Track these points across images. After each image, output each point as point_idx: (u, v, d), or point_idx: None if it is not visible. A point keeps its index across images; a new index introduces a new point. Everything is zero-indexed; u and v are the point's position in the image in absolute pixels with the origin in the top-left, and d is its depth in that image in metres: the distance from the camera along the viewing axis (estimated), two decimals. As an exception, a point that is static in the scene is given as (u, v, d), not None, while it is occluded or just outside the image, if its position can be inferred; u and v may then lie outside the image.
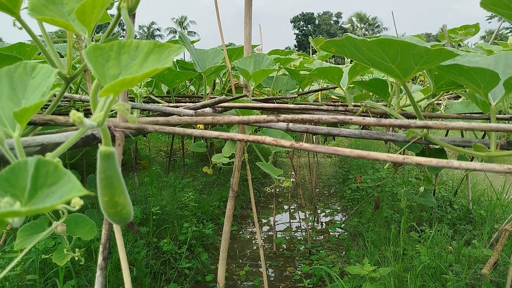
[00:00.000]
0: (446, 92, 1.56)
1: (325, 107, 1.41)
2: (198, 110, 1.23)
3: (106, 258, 0.86)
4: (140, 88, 1.44)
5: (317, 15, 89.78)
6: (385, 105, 1.43)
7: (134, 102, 1.49)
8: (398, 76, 0.97)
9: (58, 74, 0.84)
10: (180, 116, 1.12)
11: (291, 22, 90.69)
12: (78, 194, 0.43)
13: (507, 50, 1.84)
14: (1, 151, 0.53)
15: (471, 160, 2.58)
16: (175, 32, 78.40)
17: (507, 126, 0.82)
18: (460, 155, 2.01)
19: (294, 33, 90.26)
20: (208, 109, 1.40)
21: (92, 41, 0.92)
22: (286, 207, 5.10)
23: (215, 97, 1.99)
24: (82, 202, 0.50)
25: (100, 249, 0.85)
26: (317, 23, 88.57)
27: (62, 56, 1.23)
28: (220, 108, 1.51)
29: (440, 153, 1.67)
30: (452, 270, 2.36)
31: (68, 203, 0.46)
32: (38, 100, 0.53)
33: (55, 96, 0.99)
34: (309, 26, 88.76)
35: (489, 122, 1.13)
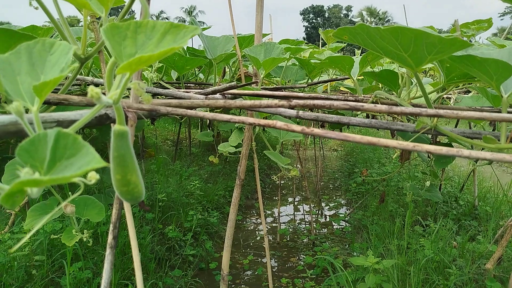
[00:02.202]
0: (456, 86, 1.55)
1: (335, 97, 1.41)
2: (209, 96, 1.23)
3: (116, 237, 0.87)
4: (151, 73, 1.45)
5: (327, 8, 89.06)
6: (396, 97, 1.43)
7: (146, 86, 1.50)
8: (410, 65, 0.96)
9: (73, 54, 0.85)
10: (192, 100, 1.13)
11: (301, 14, 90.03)
12: (96, 166, 0.44)
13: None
14: (21, 124, 0.54)
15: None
16: (184, 21, 78.26)
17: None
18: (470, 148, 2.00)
19: (304, 26, 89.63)
20: (218, 96, 1.41)
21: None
22: (290, 199, 5.11)
23: (225, 84, 2.00)
24: (98, 176, 0.51)
25: (111, 228, 0.87)
26: (326, 16, 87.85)
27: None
28: (229, 96, 1.52)
29: (449, 145, 1.67)
30: (456, 264, 2.36)
31: (85, 176, 0.47)
32: (57, 75, 0.54)
33: (68, 77, 1.00)
34: (318, 19, 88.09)
35: (500, 115, 1.12)
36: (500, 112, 1.28)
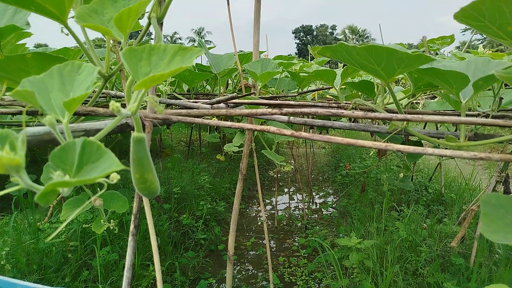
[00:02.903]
0: (424, 93, 1.55)
1: (320, 104, 1.41)
2: (214, 105, 1.23)
3: (137, 226, 0.87)
4: (165, 86, 1.45)
5: (315, 27, 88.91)
6: (372, 103, 1.43)
7: (161, 97, 1.51)
8: (383, 77, 0.97)
9: (98, 72, 0.85)
10: (199, 109, 1.14)
11: (293, 33, 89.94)
12: (116, 169, 0.44)
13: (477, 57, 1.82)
14: (53, 134, 0.54)
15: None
16: (194, 40, 78.14)
17: (473, 119, 0.82)
18: (435, 146, 2.00)
19: (295, 43, 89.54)
20: (222, 105, 1.41)
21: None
22: (286, 190, 5.11)
23: (228, 95, 2.00)
24: (119, 177, 0.51)
25: (132, 219, 0.87)
26: (315, 34, 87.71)
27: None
28: (232, 104, 1.52)
29: (418, 145, 1.67)
30: (426, 243, 2.36)
31: (108, 177, 0.48)
32: (83, 92, 0.54)
33: (94, 92, 1.01)
34: (308, 36, 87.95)
35: (460, 117, 1.12)
36: (460, 115, 1.29)
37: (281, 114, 0.85)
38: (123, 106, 0.57)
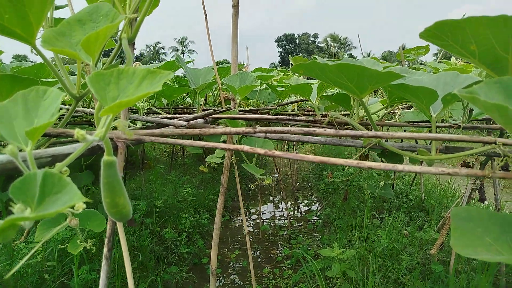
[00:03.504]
0: (401, 103, 1.59)
1: (297, 118, 1.43)
2: (191, 121, 1.23)
3: (110, 249, 0.86)
4: (142, 102, 1.44)
5: (297, 35, 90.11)
6: (349, 115, 1.45)
7: (138, 114, 1.49)
8: (355, 93, 0.98)
9: (69, 93, 0.84)
10: (175, 126, 1.13)
11: (276, 41, 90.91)
12: (78, 201, 0.44)
13: (447, 70, 1.88)
14: (15, 163, 0.53)
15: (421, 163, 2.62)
16: (177, 50, 78.00)
17: (440, 135, 0.84)
18: (412, 158, 2.05)
19: (278, 51, 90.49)
20: (200, 120, 1.41)
21: (100, 62, 0.92)
22: (271, 198, 5.11)
23: (208, 109, 2.00)
24: (85, 206, 0.51)
25: (106, 242, 0.85)
26: (297, 42, 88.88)
27: (75, 74, 1.23)
28: (210, 119, 1.51)
29: (396, 154, 1.70)
30: (407, 251, 2.39)
31: (73, 207, 0.47)
32: (47, 120, 0.53)
33: (64, 114, 0.99)
34: (290, 45, 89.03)
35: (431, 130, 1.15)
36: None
37: (255, 132, 0.85)
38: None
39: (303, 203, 4.91)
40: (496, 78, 0.64)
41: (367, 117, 1.61)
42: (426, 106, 1.02)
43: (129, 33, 0.79)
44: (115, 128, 1.14)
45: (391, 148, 1.06)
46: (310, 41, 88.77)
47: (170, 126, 1.15)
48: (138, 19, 0.80)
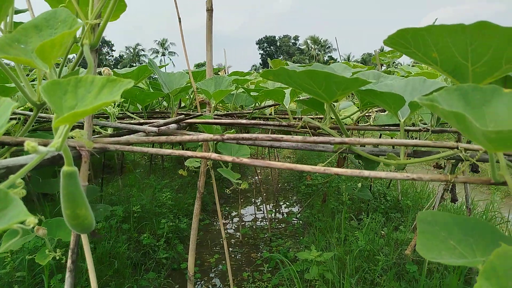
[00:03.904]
0: (374, 107, 1.61)
1: (271, 122, 1.43)
2: (162, 127, 1.21)
3: (74, 261, 0.83)
4: (113, 108, 1.41)
5: (278, 38, 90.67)
6: (322, 119, 1.46)
7: (108, 120, 1.46)
8: (324, 99, 0.99)
9: (29, 101, 0.81)
10: (146, 133, 1.11)
11: (257, 44, 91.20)
12: (23, 218, 0.42)
13: (418, 75, 1.93)
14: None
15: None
16: (157, 52, 77.09)
17: (404, 141, 0.85)
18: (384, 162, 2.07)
19: (259, 53, 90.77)
20: (173, 125, 1.39)
21: (66, 67, 0.90)
22: (254, 201, 5.10)
23: (183, 113, 1.98)
24: (37, 221, 0.49)
25: (69, 254, 0.83)
26: (278, 44, 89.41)
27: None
28: (183, 124, 1.50)
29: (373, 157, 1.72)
30: (383, 252, 2.42)
31: (23, 222, 0.45)
32: (-5, 133, 0.51)
33: (25, 121, 0.96)
34: (271, 47, 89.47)
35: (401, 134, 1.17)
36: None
37: (223, 140, 0.84)
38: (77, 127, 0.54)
39: (285, 205, 4.92)
40: (456, 85, 0.65)
41: (344, 119, 1.63)
42: (394, 111, 1.04)
43: (91, 39, 0.77)
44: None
45: (361, 153, 1.07)
46: (291, 43, 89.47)
47: (140, 133, 1.13)
48: (100, 24, 0.78)
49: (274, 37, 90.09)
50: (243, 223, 4.14)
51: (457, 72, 0.79)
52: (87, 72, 0.73)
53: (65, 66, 1.00)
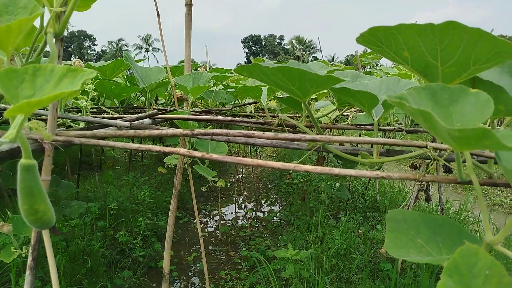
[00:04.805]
0: (350, 106, 1.62)
1: (247, 120, 1.42)
2: (134, 122, 1.18)
3: (35, 259, 0.80)
4: (86, 101, 1.37)
5: (264, 37, 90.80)
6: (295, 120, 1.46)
7: (80, 114, 1.41)
8: (299, 96, 0.98)
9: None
10: (117, 127, 1.08)
11: (242, 42, 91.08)
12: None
13: (396, 75, 1.95)
14: None
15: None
16: (141, 48, 75.96)
17: (376, 140, 0.85)
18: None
19: (245, 52, 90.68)
20: (147, 120, 1.35)
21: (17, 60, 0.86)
22: (235, 199, 5.08)
23: (160, 109, 1.94)
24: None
25: (30, 251, 0.80)
26: (263, 43, 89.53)
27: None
28: (159, 119, 1.47)
29: (351, 155, 1.73)
30: (359, 251, 2.45)
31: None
32: None
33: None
34: (256, 46, 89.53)
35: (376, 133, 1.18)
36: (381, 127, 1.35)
37: (193, 135, 0.83)
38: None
39: (266, 203, 4.92)
40: (425, 84, 0.65)
41: (321, 118, 1.63)
42: (368, 110, 1.04)
43: (56, 27, 0.74)
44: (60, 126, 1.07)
45: (335, 151, 1.07)
46: (276, 43, 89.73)
47: (111, 127, 1.10)
48: (66, 12, 0.75)
49: (260, 36, 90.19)
50: (223, 221, 4.11)
51: (428, 72, 0.80)
52: (49, 62, 0.70)
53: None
